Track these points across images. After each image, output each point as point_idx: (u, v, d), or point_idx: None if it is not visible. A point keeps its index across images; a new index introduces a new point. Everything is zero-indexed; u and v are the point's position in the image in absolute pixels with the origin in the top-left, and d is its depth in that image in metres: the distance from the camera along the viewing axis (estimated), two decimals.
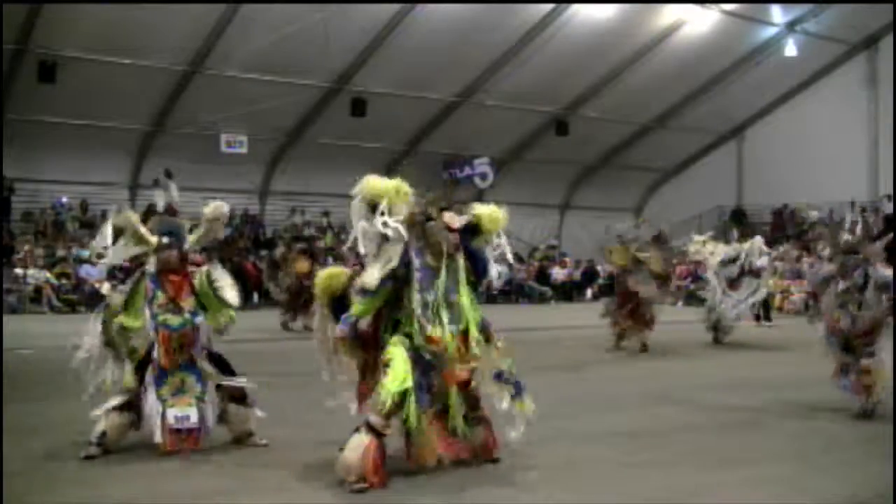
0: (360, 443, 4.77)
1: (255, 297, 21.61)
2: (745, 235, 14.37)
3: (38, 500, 4.72)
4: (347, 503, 4.65)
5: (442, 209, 5.10)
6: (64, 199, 22.62)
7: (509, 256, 5.46)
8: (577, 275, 26.95)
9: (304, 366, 10.22)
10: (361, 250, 5.07)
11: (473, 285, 5.22)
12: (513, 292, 24.74)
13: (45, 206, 22.55)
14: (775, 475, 5.17)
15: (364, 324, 5.10)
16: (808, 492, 4.84)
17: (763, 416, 6.96)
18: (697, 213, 29.32)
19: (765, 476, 5.16)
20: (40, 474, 5.11)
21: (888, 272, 6.94)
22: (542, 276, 26.32)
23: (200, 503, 4.67)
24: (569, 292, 26.24)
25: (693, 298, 22.97)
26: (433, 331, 4.92)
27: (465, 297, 5.07)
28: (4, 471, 4.97)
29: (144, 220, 5.86)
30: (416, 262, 5.00)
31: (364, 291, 4.98)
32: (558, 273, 26.76)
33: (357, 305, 5.04)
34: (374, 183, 5.02)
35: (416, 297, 4.95)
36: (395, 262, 4.94)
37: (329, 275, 5.42)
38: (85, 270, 20.03)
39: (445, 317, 4.96)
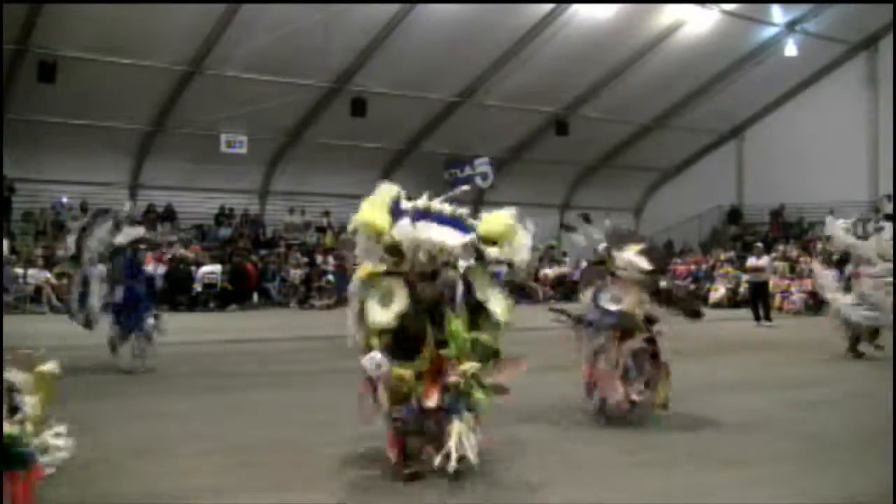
0: None
1: (255, 297, 21.65)
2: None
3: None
4: (346, 503, 4.66)
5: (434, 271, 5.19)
6: (64, 199, 22.61)
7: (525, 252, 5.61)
8: (578, 275, 26.88)
9: (305, 366, 10.30)
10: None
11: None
12: (513, 292, 24.68)
13: (45, 206, 22.55)
14: (775, 475, 5.17)
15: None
16: (807, 492, 4.84)
17: (763, 416, 6.95)
18: (697, 213, 29.40)
19: (765, 476, 5.16)
20: None
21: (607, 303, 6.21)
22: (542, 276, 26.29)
23: (200, 503, 4.68)
24: (569, 292, 26.21)
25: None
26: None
27: (454, 322, 5.10)
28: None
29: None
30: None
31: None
32: (558, 273, 26.73)
33: (372, 339, 5.02)
34: (362, 214, 5.11)
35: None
36: (402, 304, 5.03)
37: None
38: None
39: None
